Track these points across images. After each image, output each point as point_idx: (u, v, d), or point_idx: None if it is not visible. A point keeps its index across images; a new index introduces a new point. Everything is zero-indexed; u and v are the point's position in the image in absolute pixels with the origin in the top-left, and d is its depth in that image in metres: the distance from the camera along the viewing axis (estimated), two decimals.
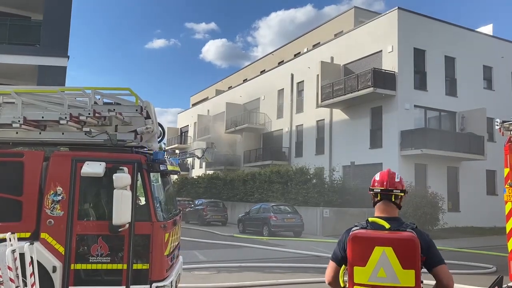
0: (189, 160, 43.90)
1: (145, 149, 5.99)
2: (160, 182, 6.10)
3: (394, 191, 2.53)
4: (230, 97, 37.90)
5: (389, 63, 22.45)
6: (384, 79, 21.91)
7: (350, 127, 24.56)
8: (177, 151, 45.70)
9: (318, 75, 26.13)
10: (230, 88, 42.68)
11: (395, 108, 22.09)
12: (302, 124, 28.97)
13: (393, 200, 2.54)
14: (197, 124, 43.19)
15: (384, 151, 22.11)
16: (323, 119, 26.94)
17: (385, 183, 2.54)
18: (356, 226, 2.51)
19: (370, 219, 2.50)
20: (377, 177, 2.60)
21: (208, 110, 42.78)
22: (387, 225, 2.42)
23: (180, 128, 50.82)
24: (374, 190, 2.56)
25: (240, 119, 34.71)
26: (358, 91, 22.46)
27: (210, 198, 27.83)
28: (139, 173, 5.41)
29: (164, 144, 56.38)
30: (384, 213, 2.54)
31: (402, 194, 2.56)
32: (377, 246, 2.31)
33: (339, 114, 25.64)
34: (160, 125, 6.42)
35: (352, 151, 23.74)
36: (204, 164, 38.43)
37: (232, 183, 28.53)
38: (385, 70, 22.32)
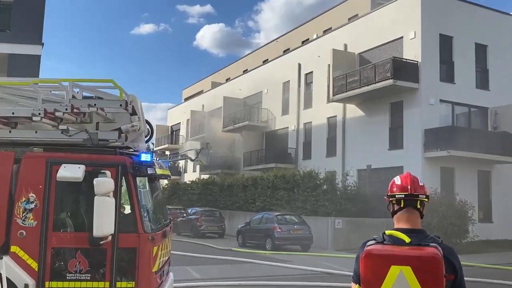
0: (181, 162, 43.95)
1: (130, 150, 6.00)
2: (147, 188, 6.11)
3: (420, 196, 2.53)
4: (228, 91, 37.94)
5: (411, 52, 22.44)
6: (405, 70, 21.89)
7: (367, 125, 24.56)
8: (167, 153, 45.79)
9: (329, 65, 26.11)
10: (228, 80, 42.70)
11: (418, 103, 22.07)
12: (310, 122, 28.97)
13: (418, 206, 2.54)
14: (190, 121, 43.21)
15: (405, 153, 22.10)
16: (335, 116, 26.93)
17: (409, 187, 2.53)
18: (372, 240, 2.49)
19: (387, 232, 2.48)
20: (397, 181, 2.58)
21: (203, 106, 42.78)
22: (407, 239, 2.39)
23: (171, 126, 50.80)
24: (397, 196, 2.54)
25: (239, 115, 34.74)
26: (375, 83, 22.45)
27: (205, 206, 27.87)
28: (123, 178, 5.41)
29: (153, 144, 56.64)
30: (408, 223, 2.53)
31: (427, 200, 2.56)
32: (393, 265, 2.27)
33: (353, 110, 25.64)
34: (147, 122, 6.43)
35: (368, 152, 23.73)
36: (198, 167, 38.43)
37: (231, 189, 28.55)
38: (406, 59, 22.29)
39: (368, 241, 2.51)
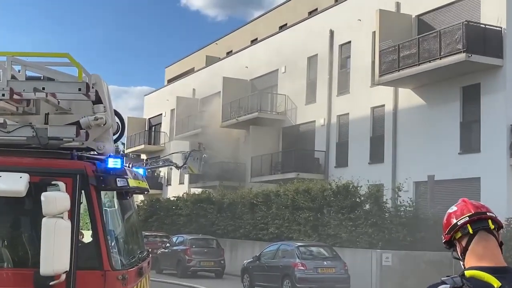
0: (163, 171, 44.04)
1: (93, 152, 6.03)
2: (116, 207, 6.14)
3: (488, 213, 2.62)
4: (231, 69, 37.97)
5: (492, 14, 22.31)
6: (484, 40, 21.78)
7: (428, 118, 24.45)
8: (143, 157, 45.90)
9: (374, 32, 26.07)
10: (229, 54, 42.74)
11: (502, 86, 21.94)
12: (347, 114, 28.95)
13: (491, 227, 2.60)
14: (175, 112, 43.30)
15: (484, 158, 21.95)
16: (383, 106, 26.90)
17: (470, 207, 2.64)
18: (442, 284, 2.50)
19: (467, 273, 2.50)
20: (451, 209, 2.71)
21: (194, 90, 42.87)
22: (495, 283, 2.41)
23: (149, 119, 50.95)
24: (459, 222, 2.62)
25: (246, 104, 34.77)
26: (440, 59, 22.35)
27: (196, 233, 27.95)
28: (83, 192, 5.43)
29: (123, 145, 56.59)
30: (489, 257, 2.55)
31: (497, 219, 2.64)
32: None
33: (409, 97, 25.57)
34: (117, 114, 6.45)
35: (430, 158, 23.62)
36: (187, 177, 38.44)
37: (233, 208, 28.65)
38: (485, 24, 22.19)
39: (437, 285, 2.52)
